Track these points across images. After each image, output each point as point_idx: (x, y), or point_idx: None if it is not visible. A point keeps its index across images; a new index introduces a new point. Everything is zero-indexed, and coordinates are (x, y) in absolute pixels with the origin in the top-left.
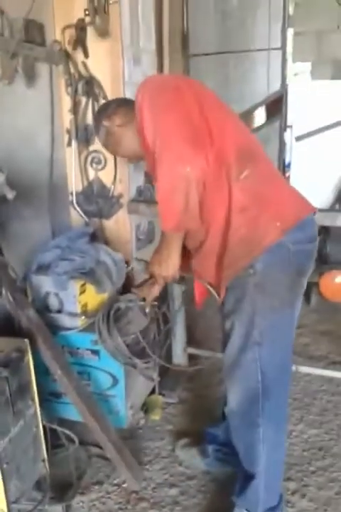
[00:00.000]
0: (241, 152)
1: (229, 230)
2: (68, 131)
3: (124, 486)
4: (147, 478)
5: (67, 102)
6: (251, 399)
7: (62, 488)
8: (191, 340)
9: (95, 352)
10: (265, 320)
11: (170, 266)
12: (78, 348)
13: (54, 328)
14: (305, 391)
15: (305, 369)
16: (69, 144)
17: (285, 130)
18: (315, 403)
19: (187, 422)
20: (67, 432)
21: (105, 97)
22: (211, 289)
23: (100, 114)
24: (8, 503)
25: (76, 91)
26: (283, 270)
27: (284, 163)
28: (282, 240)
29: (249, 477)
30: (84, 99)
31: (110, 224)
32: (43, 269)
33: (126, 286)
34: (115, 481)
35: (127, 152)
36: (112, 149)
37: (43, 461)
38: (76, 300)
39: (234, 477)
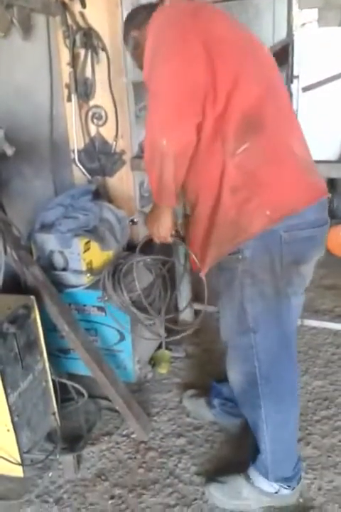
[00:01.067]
0: (245, 119)
1: (219, 207)
2: (67, 86)
3: (133, 436)
4: (155, 429)
5: (65, 55)
6: (249, 382)
7: (72, 440)
8: (197, 296)
9: (101, 308)
10: (256, 307)
11: (161, 228)
12: (84, 305)
13: (60, 286)
14: (310, 344)
15: (310, 322)
16: (69, 99)
17: (291, 81)
18: (320, 355)
19: (194, 375)
20: (77, 385)
21: (104, 48)
22: (196, 260)
23: (128, 24)
24: (21, 453)
25: (74, 43)
26: (273, 258)
27: None
28: (272, 227)
29: (259, 448)
30: (82, 52)
31: (113, 181)
32: (47, 227)
33: (131, 243)
34: (124, 432)
35: None
36: (140, 62)
37: (54, 413)
38: (80, 258)
39: (240, 428)
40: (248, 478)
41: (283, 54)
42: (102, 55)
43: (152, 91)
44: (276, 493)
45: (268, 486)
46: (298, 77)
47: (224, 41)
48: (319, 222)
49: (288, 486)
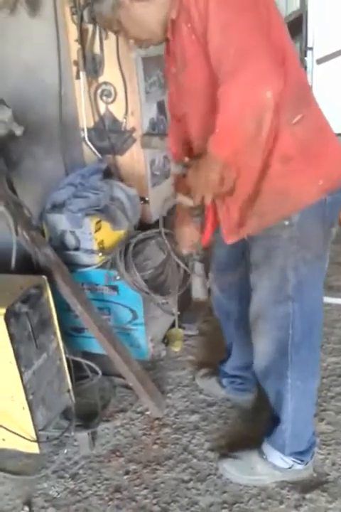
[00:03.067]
0: (300, 90)
1: (266, 175)
2: (76, 63)
3: (147, 413)
4: (169, 406)
5: (73, 32)
6: (279, 352)
7: (87, 417)
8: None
9: (114, 287)
10: (298, 274)
11: (206, 188)
12: (97, 285)
13: (72, 266)
14: (324, 320)
15: (324, 299)
16: (77, 76)
17: (305, 53)
18: (335, 332)
19: (207, 352)
20: (91, 363)
21: None
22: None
23: None
24: (36, 430)
25: (82, 18)
26: (318, 222)
27: None
28: (322, 196)
29: (276, 420)
30: (90, 27)
31: (124, 160)
32: (58, 207)
33: (142, 222)
34: (138, 409)
35: (142, 33)
36: (123, 27)
37: (68, 391)
38: (92, 237)
39: (253, 403)
40: (262, 453)
41: (297, 25)
42: None
43: (237, 50)
44: (290, 468)
45: (282, 461)
46: (312, 48)
47: (275, 10)
48: None
49: (302, 461)
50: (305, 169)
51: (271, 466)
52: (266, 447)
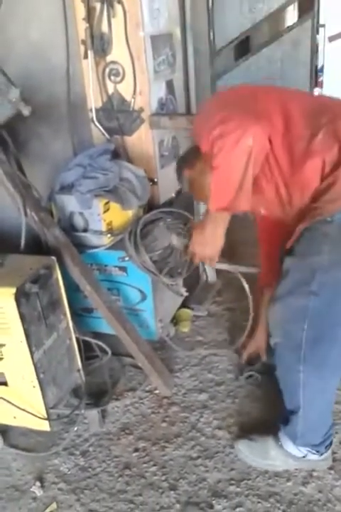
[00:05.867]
0: (309, 112)
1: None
2: (83, 42)
3: (156, 392)
4: (177, 385)
5: (80, 10)
6: (292, 344)
7: (97, 395)
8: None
9: (123, 268)
10: (329, 275)
11: (214, 247)
12: (106, 265)
13: (81, 247)
14: None
15: None
16: (85, 56)
17: (317, 31)
18: None
19: (216, 333)
20: (100, 343)
21: (120, 1)
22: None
23: (181, 166)
24: (47, 408)
25: None
26: None
27: (316, 67)
28: None
29: (289, 413)
30: (98, 5)
31: (132, 140)
32: (67, 188)
33: (151, 204)
34: (147, 388)
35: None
36: (198, 195)
37: (78, 370)
38: (101, 218)
39: (261, 384)
40: (277, 440)
41: (309, 2)
42: (118, 8)
43: (219, 122)
44: (304, 457)
45: (296, 451)
46: (324, 26)
47: (260, 87)
48: None
49: (317, 451)
50: None
51: (285, 453)
52: (282, 435)
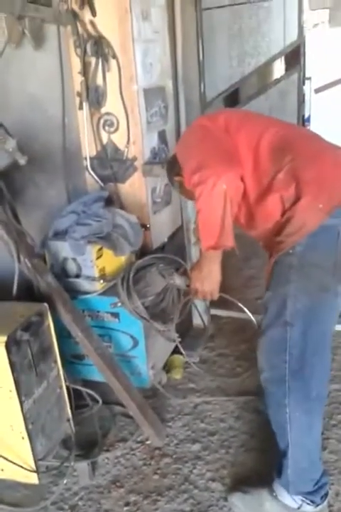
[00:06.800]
0: (276, 149)
1: (279, 221)
2: (79, 94)
3: (148, 442)
4: (170, 435)
5: (76, 64)
6: (277, 377)
7: (87, 446)
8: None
9: (115, 315)
10: (298, 303)
11: (212, 282)
12: (98, 311)
13: (73, 293)
14: None
15: None
16: (80, 107)
17: (303, 83)
18: (336, 359)
19: (208, 380)
20: (91, 392)
21: (114, 56)
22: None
23: (170, 172)
24: (36, 460)
25: (85, 52)
26: (325, 254)
27: (303, 117)
28: (328, 222)
29: (281, 456)
30: (93, 60)
31: (125, 188)
32: (60, 234)
33: (144, 249)
34: (139, 438)
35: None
36: (189, 197)
37: (68, 420)
38: (93, 264)
39: (256, 434)
40: (272, 491)
41: (295, 56)
42: (113, 62)
43: (197, 166)
44: (299, 508)
45: (290, 500)
46: (310, 78)
47: (235, 118)
48: None
49: (312, 502)
50: (301, 197)
51: (281, 505)
52: (277, 486)
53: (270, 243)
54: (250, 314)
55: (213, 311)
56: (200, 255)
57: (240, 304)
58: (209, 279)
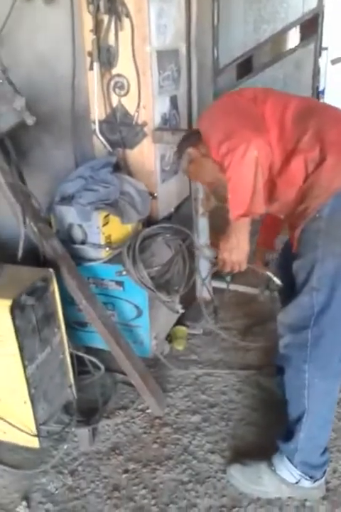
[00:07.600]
0: (300, 116)
1: (302, 188)
2: (90, 54)
3: (148, 411)
4: (170, 405)
5: (88, 21)
6: (299, 343)
7: (88, 413)
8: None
9: (120, 283)
10: (324, 266)
11: (241, 252)
12: (103, 279)
13: (78, 260)
14: None
15: None
16: (91, 67)
17: (320, 53)
18: None
19: (211, 352)
20: (93, 359)
21: (128, 15)
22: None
23: (184, 142)
24: (37, 424)
25: (98, 9)
26: None
27: (318, 88)
28: None
29: (292, 423)
30: (106, 18)
31: (134, 154)
32: (67, 199)
33: (151, 218)
34: (139, 407)
35: (209, 178)
36: (194, 175)
37: (70, 386)
38: (99, 231)
39: (256, 408)
40: (270, 464)
41: (312, 25)
42: (126, 21)
43: (225, 136)
44: (297, 483)
45: (289, 475)
46: (326, 48)
47: (260, 92)
48: None
49: (310, 477)
50: (326, 158)
51: (279, 479)
52: (276, 459)
53: (293, 215)
54: (276, 278)
55: (216, 284)
56: (229, 226)
57: (269, 273)
58: (237, 250)
